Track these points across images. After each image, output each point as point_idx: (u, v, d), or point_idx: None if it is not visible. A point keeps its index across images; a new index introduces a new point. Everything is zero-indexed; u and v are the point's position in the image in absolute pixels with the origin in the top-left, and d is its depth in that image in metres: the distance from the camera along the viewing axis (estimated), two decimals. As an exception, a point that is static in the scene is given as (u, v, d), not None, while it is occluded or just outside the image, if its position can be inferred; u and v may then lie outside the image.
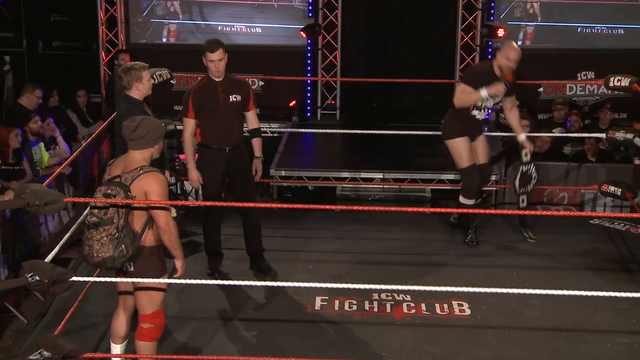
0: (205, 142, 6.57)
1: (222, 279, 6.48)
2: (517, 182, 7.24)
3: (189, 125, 6.51)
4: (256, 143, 6.75)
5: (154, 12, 10.91)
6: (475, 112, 6.98)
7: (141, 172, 4.67)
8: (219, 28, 11.13)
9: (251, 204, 6.35)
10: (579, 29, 10.87)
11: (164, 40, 11.12)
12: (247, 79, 6.88)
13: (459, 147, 7.04)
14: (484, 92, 6.76)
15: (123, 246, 4.63)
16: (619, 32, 10.79)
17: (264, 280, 6.53)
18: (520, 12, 10.85)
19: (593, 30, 10.83)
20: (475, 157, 7.15)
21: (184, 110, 6.52)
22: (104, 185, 4.69)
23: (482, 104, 6.95)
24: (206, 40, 6.61)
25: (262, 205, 6.87)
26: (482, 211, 8.20)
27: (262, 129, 6.90)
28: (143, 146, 4.74)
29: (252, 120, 6.72)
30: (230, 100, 6.50)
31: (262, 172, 6.79)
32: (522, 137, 7.12)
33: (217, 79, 6.49)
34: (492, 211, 8.78)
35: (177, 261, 4.86)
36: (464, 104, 6.91)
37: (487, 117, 10.48)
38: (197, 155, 6.65)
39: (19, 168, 7.93)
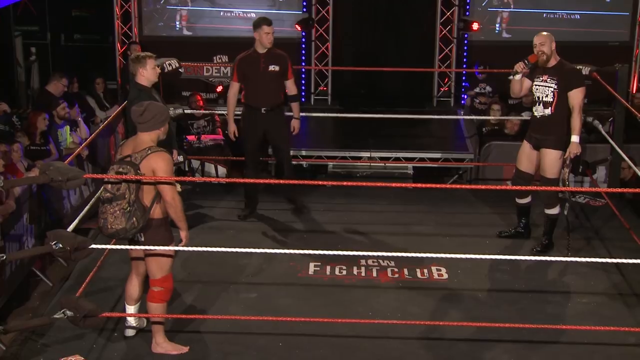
0: (246, 102, 6.96)
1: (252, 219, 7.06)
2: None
3: (234, 87, 6.95)
4: (295, 107, 7.11)
5: (169, 1, 11.26)
6: (533, 109, 6.40)
7: (149, 152, 4.61)
8: (221, 13, 11.25)
9: (262, 181, 6.58)
10: (544, 15, 11.25)
11: (177, 23, 11.31)
12: (285, 53, 6.98)
13: (520, 149, 6.53)
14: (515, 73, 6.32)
15: (134, 219, 4.59)
16: (576, 17, 11.32)
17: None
18: (497, 1, 11.36)
19: (555, 16, 11.30)
20: (530, 166, 6.43)
21: (231, 74, 7.03)
22: (116, 164, 4.64)
23: (536, 97, 6.31)
24: (260, 17, 6.95)
25: (262, 181, 6.86)
26: (456, 186, 8.15)
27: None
28: (150, 128, 4.68)
29: (290, 87, 7.01)
30: (270, 69, 6.79)
31: (299, 129, 7.17)
32: (572, 138, 6.17)
33: (261, 51, 6.78)
34: (467, 186, 8.76)
35: (182, 232, 4.82)
36: (511, 88, 6.44)
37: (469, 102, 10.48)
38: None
39: (45, 148, 7.88)
